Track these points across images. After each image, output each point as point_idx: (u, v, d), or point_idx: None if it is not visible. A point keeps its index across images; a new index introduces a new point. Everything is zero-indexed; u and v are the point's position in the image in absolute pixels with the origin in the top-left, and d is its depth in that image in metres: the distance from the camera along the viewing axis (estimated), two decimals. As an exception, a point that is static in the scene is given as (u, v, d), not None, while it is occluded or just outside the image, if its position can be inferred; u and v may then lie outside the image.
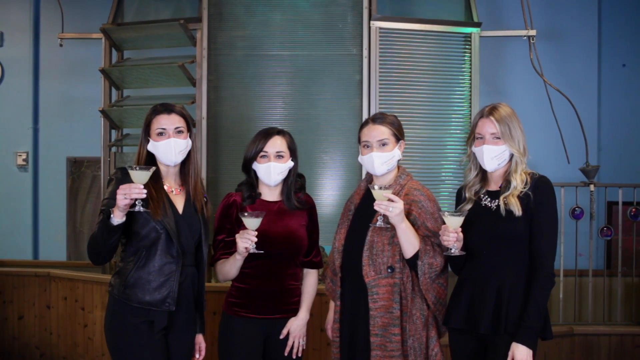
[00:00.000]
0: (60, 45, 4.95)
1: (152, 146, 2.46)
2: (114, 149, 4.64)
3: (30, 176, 5.37)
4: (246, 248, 2.39)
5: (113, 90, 4.63)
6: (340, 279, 2.59)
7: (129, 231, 2.40)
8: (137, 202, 2.24)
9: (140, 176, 2.25)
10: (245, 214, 2.39)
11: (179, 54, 4.44)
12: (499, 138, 2.39)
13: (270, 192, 2.65)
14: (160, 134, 2.45)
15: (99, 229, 2.29)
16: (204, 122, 4.24)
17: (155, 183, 2.43)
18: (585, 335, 4.16)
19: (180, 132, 2.47)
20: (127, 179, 2.32)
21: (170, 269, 2.41)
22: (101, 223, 2.28)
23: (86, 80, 5.17)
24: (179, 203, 2.50)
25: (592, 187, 4.46)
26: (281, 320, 2.61)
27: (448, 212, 2.32)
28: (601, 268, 4.92)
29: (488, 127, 2.40)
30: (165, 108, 2.49)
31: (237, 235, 2.42)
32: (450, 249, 2.33)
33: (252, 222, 2.38)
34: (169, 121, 2.46)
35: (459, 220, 2.31)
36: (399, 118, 2.65)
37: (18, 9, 5.39)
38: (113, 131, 4.65)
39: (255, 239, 2.38)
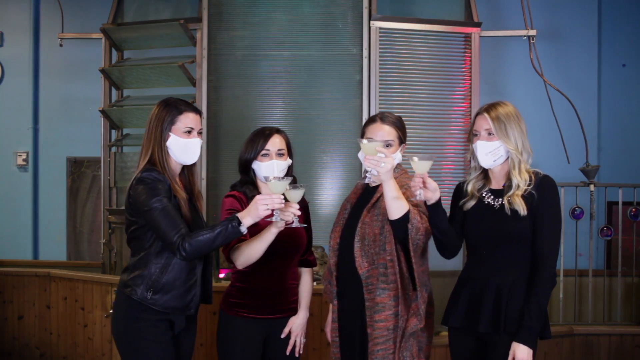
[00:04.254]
0: (60, 45, 4.96)
1: (174, 142, 2.42)
2: (114, 149, 4.64)
3: (30, 176, 5.37)
4: (287, 222, 2.35)
5: (113, 90, 4.63)
6: (335, 277, 2.58)
7: (150, 232, 2.36)
8: (275, 212, 2.29)
9: (279, 186, 2.28)
10: (289, 186, 2.34)
11: (179, 54, 4.45)
12: (492, 134, 2.39)
13: (268, 191, 2.64)
14: (189, 132, 2.43)
15: (220, 234, 2.26)
16: (204, 122, 4.24)
17: (178, 182, 2.45)
18: (585, 335, 4.16)
19: (200, 133, 2.49)
20: (161, 181, 2.33)
21: (194, 275, 2.41)
22: (227, 228, 2.26)
23: (86, 80, 5.16)
24: (185, 199, 2.49)
25: (592, 187, 4.46)
26: (281, 320, 2.62)
27: (416, 155, 2.25)
28: (601, 268, 4.91)
29: (483, 123, 2.41)
30: (193, 107, 2.49)
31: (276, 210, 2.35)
32: (416, 196, 2.26)
33: (295, 194, 2.35)
34: (197, 121, 2.47)
35: (427, 164, 2.25)
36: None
37: (18, 9, 5.39)
38: (113, 131, 4.65)
39: (299, 212, 2.35)
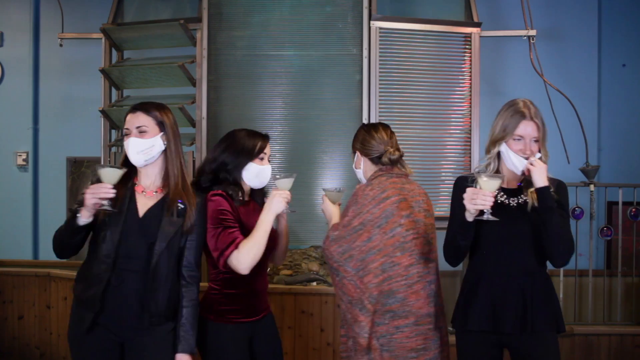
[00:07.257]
0: (60, 45, 4.95)
1: (124, 145, 2.42)
2: (114, 149, 4.64)
3: (30, 176, 5.37)
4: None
5: (113, 90, 4.63)
6: None
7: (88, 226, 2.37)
8: (105, 202, 2.22)
9: (109, 175, 2.23)
10: (277, 175, 2.49)
11: (179, 54, 4.44)
12: (538, 141, 2.34)
13: (246, 192, 2.65)
14: (126, 133, 2.39)
15: (65, 227, 2.31)
16: (204, 122, 4.24)
17: (119, 183, 2.31)
18: (585, 335, 4.16)
19: (142, 131, 2.36)
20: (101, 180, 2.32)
21: (99, 270, 2.32)
22: (67, 221, 2.30)
23: (86, 80, 5.16)
24: (146, 204, 2.39)
25: (592, 187, 4.46)
26: (262, 320, 2.65)
27: (484, 174, 2.23)
28: (601, 268, 4.91)
29: (530, 130, 2.32)
30: (134, 107, 2.42)
31: (272, 194, 2.48)
32: (484, 213, 2.22)
33: (284, 183, 2.48)
34: (132, 120, 2.38)
35: (497, 183, 2.23)
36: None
37: (18, 9, 5.39)
38: (113, 131, 4.65)
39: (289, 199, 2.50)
